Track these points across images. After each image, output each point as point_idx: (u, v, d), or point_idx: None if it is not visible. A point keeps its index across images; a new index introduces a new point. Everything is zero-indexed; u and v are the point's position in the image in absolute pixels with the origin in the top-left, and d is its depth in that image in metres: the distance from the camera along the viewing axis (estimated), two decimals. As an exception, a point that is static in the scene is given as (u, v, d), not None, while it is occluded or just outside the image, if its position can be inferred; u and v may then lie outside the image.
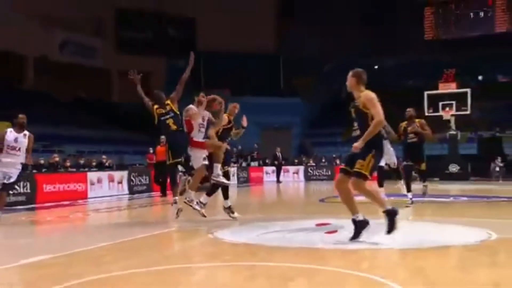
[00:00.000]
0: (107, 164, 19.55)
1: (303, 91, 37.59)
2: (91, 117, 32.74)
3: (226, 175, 8.51)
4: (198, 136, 7.94)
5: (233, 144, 24.27)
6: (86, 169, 17.90)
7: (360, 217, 5.84)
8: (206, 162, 7.93)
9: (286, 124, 35.20)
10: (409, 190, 10.46)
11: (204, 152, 7.97)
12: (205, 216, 8.04)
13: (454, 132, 24.54)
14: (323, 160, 28.11)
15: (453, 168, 23.55)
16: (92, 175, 16.22)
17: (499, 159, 24.47)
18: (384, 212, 5.80)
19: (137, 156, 25.83)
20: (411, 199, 10.33)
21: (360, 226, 5.85)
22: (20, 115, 8.60)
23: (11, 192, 12.84)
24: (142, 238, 7.03)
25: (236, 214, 8.55)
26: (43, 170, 17.11)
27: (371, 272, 4.52)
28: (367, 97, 5.85)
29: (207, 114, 8.10)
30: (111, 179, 16.67)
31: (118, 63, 36.66)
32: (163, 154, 10.84)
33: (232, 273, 4.81)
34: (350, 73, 6.04)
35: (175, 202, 8.22)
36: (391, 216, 5.75)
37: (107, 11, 37.71)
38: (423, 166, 10.66)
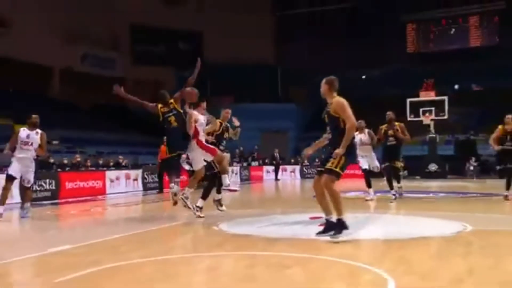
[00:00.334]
0: (123, 163, 19.51)
1: (298, 99, 37.61)
2: (109, 122, 32.72)
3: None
4: (203, 138, 7.76)
5: (235, 145, 24.43)
6: (105, 168, 17.87)
7: (333, 218, 5.56)
8: (205, 163, 7.71)
9: (283, 128, 35.16)
10: (391, 188, 10.36)
11: (209, 157, 7.70)
12: (202, 217, 7.73)
13: (433, 135, 24.53)
14: (317, 160, 28.01)
15: (432, 167, 23.51)
16: (110, 174, 16.17)
17: (473, 159, 24.45)
18: (338, 219, 5.51)
19: (150, 156, 25.75)
20: (394, 195, 10.29)
21: (330, 227, 5.58)
22: (34, 115, 8.61)
23: (38, 188, 12.98)
24: (154, 230, 7.03)
25: (223, 208, 8.33)
26: (66, 169, 17.09)
27: (359, 260, 4.52)
28: (338, 103, 5.60)
29: (206, 117, 7.94)
30: (127, 177, 16.63)
31: (133, 73, 36.74)
32: (165, 153, 10.65)
33: (235, 261, 4.81)
34: (324, 81, 5.81)
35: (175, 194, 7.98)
36: (340, 226, 5.47)
37: (123, 27, 37.69)
38: (398, 164, 10.40)
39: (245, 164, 26.03)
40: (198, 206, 7.83)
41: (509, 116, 9.92)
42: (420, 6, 37.37)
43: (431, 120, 24.41)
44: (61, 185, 13.84)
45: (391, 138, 10.26)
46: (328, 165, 5.52)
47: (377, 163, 10.67)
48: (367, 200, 10.46)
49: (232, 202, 11.65)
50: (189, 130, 7.63)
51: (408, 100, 24.88)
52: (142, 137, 31.24)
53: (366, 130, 10.69)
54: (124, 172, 16.94)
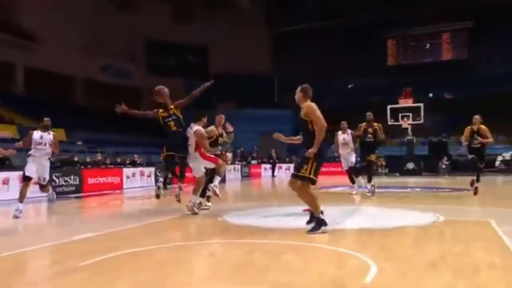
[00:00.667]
0: (138, 162, 19.51)
1: (292, 105, 37.39)
2: (126, 125, 32.65)
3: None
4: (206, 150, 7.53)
5: (236, 146, 24.41)
6: (122, 166, 17.86)
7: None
8: (205, 170, 7.60)
9: (279, 131, 34.57)
10: (369, 181, 10.12)
11: (211, 165, 7.56)
12: (206, 209, 7.73)
13: (410, 137, 24.51)
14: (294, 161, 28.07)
15: (410, 165, 23.52)
16: (127, 171, 16.18)
17: (445, 158, 24.45)
18: (316, 217, 5.34)
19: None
20: (369, 191, 10.04)
21: (313, 217, 5.44)
22: (45, 118, 8.34)
23: (64, 183, 12.95)
24: (166, 220, 7.05)
25: (210, 204, 8.11)
26: (89, 166, 17.09)
27: (347, 248, 4.53)
28: (309, 107, 5.33)
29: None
30: (141, 174, 16.63)
31: (147, 83, 36.48)
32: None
33: (236, 248, 4.81)
34: (299, 88, 5.56)
35: (180, 189, 7.99)
36: (319, 223, 5.29)
37: (139, 42, 37.73)
38: (373, 157, 10.14)
39: (245, 162, 26.07)
40: (197, 203, 7.66)
41: (476, 116, 9.91)
42: (399, 24, 37.57)
43: (409, 124, 24.44)
44: (84, 181, 13.86)
45: (369, 135, 10.14)
46: (302, 172, 5.27)
47: (353, 159, 10.67)
48: (352, 194, 10.47)
49: (234, 196, 11.65)
50: (204, 148, 7.41)
51: (389, 106, 24.87)
52: (155, 138, 31.16)
53: (349, 131, 10.71)
54: (139, 169, 16.96)
